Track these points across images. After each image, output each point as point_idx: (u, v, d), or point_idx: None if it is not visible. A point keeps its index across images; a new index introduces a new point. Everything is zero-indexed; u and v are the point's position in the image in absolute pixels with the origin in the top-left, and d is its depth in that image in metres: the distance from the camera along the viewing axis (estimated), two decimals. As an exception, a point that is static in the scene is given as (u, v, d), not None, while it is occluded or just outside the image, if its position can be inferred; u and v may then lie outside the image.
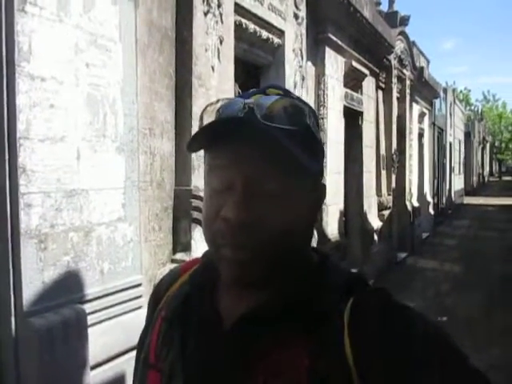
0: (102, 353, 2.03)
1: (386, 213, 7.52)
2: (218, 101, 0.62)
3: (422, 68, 9.68)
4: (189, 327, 0.64)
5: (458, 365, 0.53)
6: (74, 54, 1.99)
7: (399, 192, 8.32)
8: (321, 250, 0.69)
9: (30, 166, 1.82)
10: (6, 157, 1.78)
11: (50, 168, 1.89)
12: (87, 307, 2.01)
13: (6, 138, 1.77)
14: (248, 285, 0.61)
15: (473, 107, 40.73)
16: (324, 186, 0.66)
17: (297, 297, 0.59)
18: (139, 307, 2.35)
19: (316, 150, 0.62)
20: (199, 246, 2.78)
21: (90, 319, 2.01)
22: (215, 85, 2.90)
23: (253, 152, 0.57)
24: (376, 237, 6.75)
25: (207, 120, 0.61)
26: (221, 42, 2.94)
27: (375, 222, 6.83)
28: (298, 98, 0.64)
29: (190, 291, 0.68)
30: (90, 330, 1.97)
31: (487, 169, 42.65)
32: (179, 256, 2.77)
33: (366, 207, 6.44)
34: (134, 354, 2.04)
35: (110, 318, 2.15)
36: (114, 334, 2.11)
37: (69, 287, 1.97)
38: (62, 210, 1.94)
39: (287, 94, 0.63)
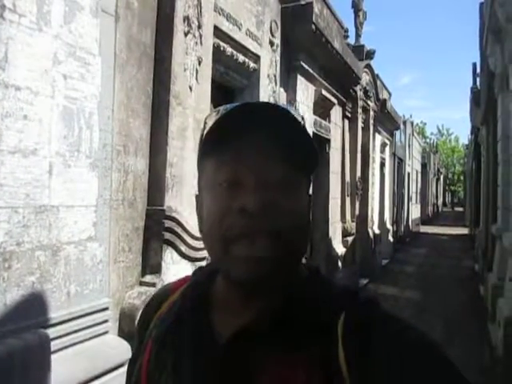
0: (65, 382, 1.88)
1: (350, 239, 7.62)
2: (218, 109, 0.62)
3: (384, 100, 10.05)
4: (182, 346, 0.62)
5: (451, 375, 0.54)
6: (52, 65, 1.92)
7: (362, 219, 8.49)
8: (310, 264, 0.68)
9: (-2, 179, 1.71)
10: (-27, 168, 1.67)
11: (19, 182, 1.78)
12: (51, 332, 1.88)
13: (-26, 148, 1.66)
14: (256, 286, 0.58)
15: (428, 140, 42.63)
16: (311, 195, 0.67)
17: (289, 311, 0.59)
18: (105, 332, 2.22)
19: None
20: (169, 268, 2.69)
21: (54, 345, 1.87)
22: (192, 104, 2.87)
23: (267, 143, 0.57)
24: (340, 262, 6.81)
25: (211, 125, 0.61)
26: (199, 63, 2.93)
27: (339, 248, 6.90)
28: None
29: (181, 309, 0.66)
30: (52, 357, 1.84)
31: (441, 199, 44.41)
32: (148, 278, 2.67)
33: (331, 233, 6.50)
34: (98, 382, 1.89)
35: (74, 344, 2.02)
36: (78, 362, 1.98)
37: (32, 310, 1.84)
38: (29, 226, 1.83)
39: None
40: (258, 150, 0.58)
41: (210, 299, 0.65)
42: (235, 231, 0.57)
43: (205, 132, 0.62)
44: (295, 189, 0.60)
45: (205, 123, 0.63)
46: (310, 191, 0.67)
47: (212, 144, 0.60)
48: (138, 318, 0.79)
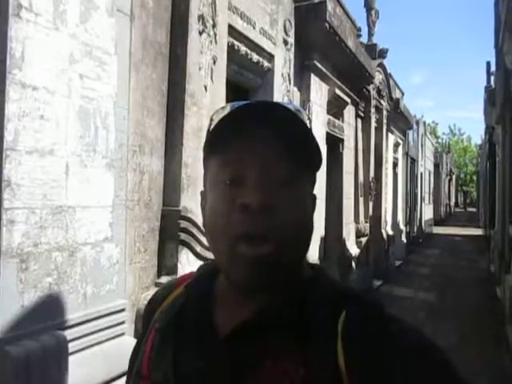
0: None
1: (363, 240, 7.54)
2: (225, 106, 0.62)
3: (397, 99, 9.95)
4: (183, 339, 0.63)
5: (452, 379, 0.53)
6: (68, 65, 1.90)
7: (375, 220, 8.39)
8: (313, 263, 0.69)
9: (16, 180, 1.69)
10: (-10, 169, 1.66)
11: (36, 182, 1.77)
12: (68, 334, 1.86)
13: (-9, 148, 1.65)
14: (256, 287, 0.59)
15: (440, 140, 42.24)
16: (315, 195, 0.67)
17: (289, 308, 0.59)
18: (122, 334, 2.20)
19: None
20: (185, 269, 2.66)
21: (71, 347, 1.86)
22: (207, 104, 2.85)
23: (270, 141, 0.58)
24: (354, 264, 6.74)
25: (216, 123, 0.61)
26: (214, 62, 2.90)
27: (353, 249, 6.83)
28: None
29: (184, 303, 0.67)
30: (70, 359, 1.82)
31: (453, 200, 43.95)
32: (164, 279, 2.64)
33: (345, 234, 6.44)
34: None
35: (91, 346, 2.01)
36: (95, 364, 1.96)
37: (49, 312, 1.82)
38: (46, 227, 1.81)
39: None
40: (261, 149, 0.58)
41: (212, 294, 0.66)
42: (237, 229, 0.57)
43: (210, 129, 0.62)
44: (298, 187, 0.60)
45: (211, 120, 0.63)
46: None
47: (216, 142, 0.61)
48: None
